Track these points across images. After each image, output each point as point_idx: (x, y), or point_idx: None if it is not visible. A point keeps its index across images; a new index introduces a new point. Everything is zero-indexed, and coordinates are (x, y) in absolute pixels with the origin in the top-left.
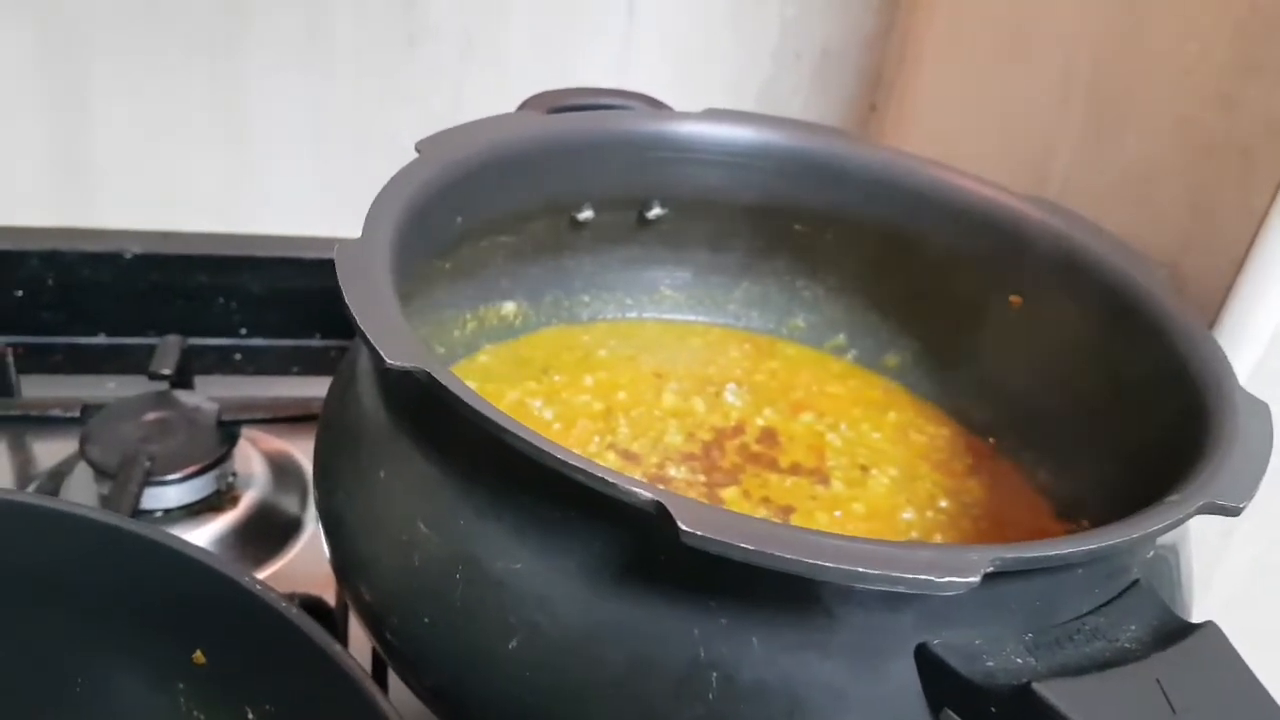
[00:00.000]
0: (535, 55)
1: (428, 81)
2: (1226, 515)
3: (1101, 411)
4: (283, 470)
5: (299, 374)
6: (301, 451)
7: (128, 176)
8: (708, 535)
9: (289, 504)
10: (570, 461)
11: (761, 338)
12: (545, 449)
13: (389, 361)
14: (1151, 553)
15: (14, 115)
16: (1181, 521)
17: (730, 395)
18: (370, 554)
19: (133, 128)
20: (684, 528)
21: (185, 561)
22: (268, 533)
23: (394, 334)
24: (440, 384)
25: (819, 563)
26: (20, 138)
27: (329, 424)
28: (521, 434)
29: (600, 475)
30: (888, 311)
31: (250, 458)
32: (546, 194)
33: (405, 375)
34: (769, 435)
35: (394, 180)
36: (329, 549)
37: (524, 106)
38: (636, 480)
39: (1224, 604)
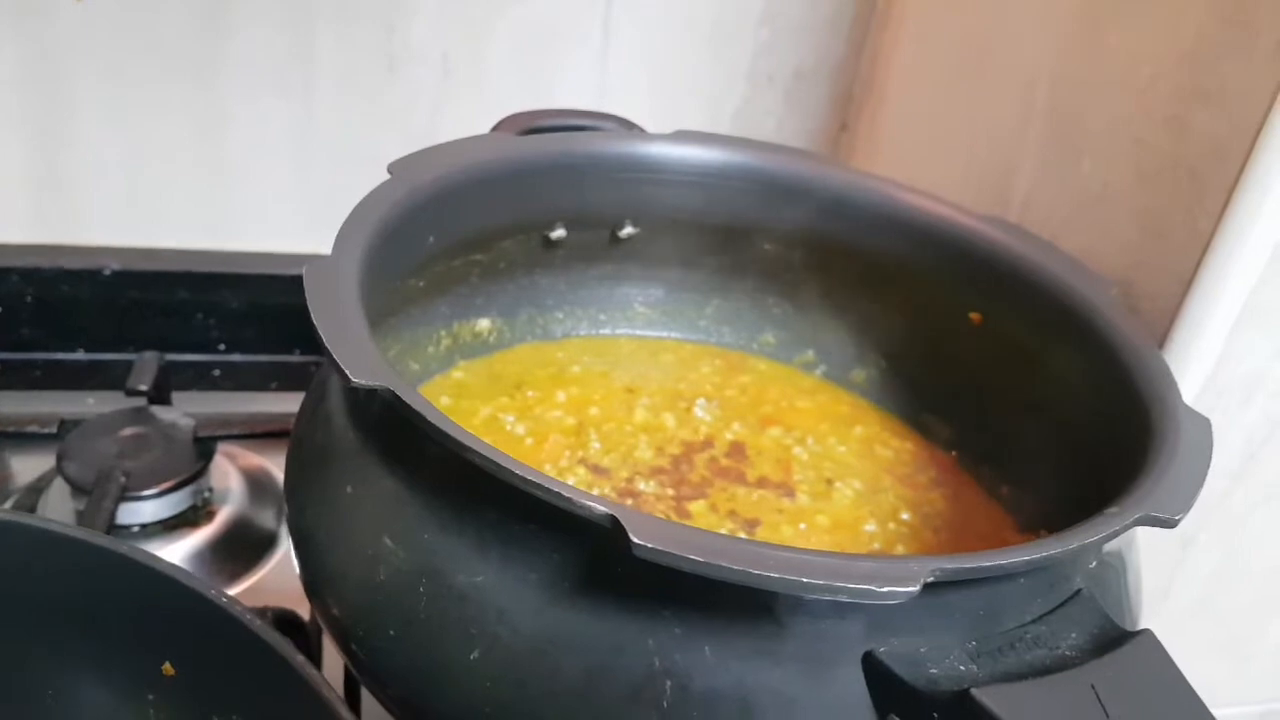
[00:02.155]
0: (513, 78)
1: (407, 103)
2: (1163, 527)
3: (1057, 427)
4: (259, 486)
5: (277, 389)
6: (278, 467)
7: (108, 195)
8: (658, 548)
9: (265, 519)
10: (528, 477)
11: (733, 353)
12: (504, 465)
13: (354, 380)
14: (1095, 563)
15: None
16: (1118, 533)
17: (700, 410)
18: (337, 568)
19: (113, 146)
20: (636, 540)
21: (153, 575)
22: (244, 548)
23: (359, 353)
24: (404, 401)
25: (765, 574)
26: (1, 156)
27: (300, 441)
28: (481, 450)
29: (556, 490)
30: (855, 328)
31: (227, 473)
32: (519, 214)
33: (370, 393)
34: (737, 449)
35: (365, 201)
36: (299, 564)
37: (498, 127)
38: (591, 495)
39: (1183, 613)
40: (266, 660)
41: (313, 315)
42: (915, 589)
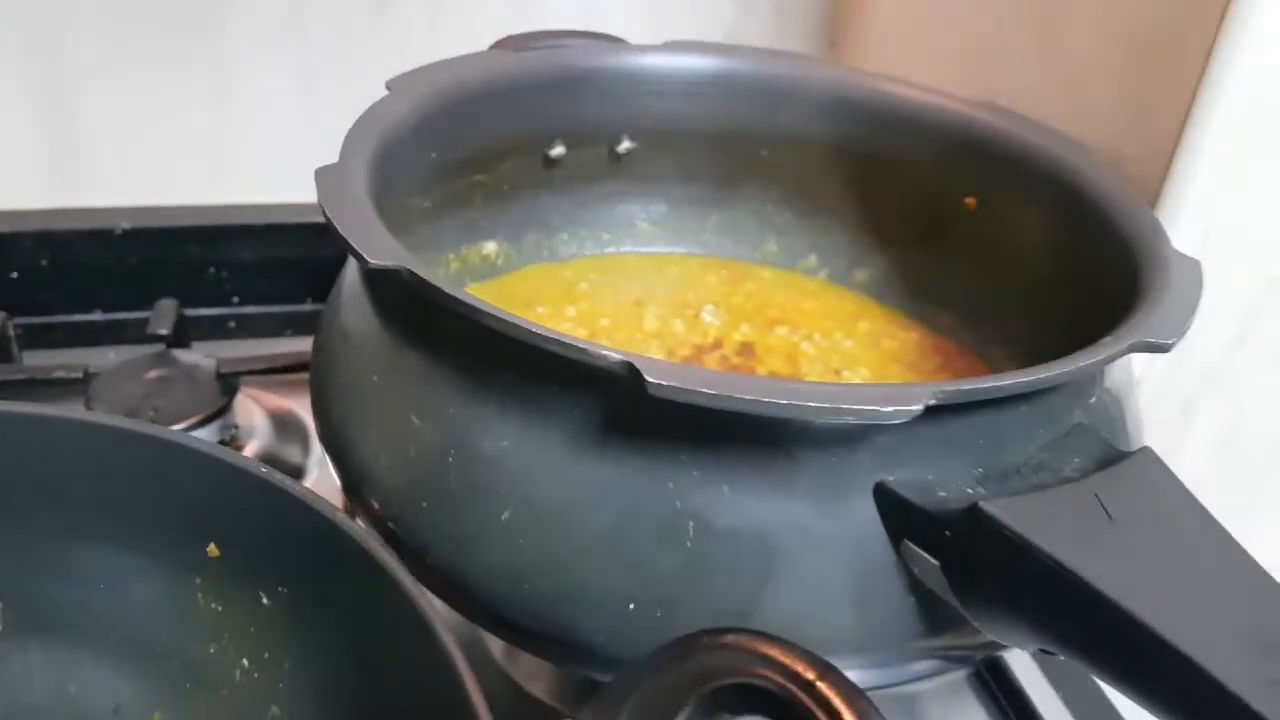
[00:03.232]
0: (503, 10)
1: (398, 43)
2: (1158, 351)
3: (1058, 299)
4: (284, 424)
5: (292, 335)
6: (301, 406)
7: (115, 155)
8: (673, 385)
9: (292, 454)
10: (545, 334)
11: (736, 264)
12: (520, 324)
13: (371, 262)
14: (1094, 399)
15: (1, 97)
16: (1114, 358)
17: (708, 315)
18: (370, 455)
19: (117, 106)
20: (650, 380)
21: (191, 455)
22: None
23: (376, 238)
24: (420, 278)
25: (774, 400)
26: (7, 122)
27: (321, 348)
28: (497, 314)
29: (572, 343)
30: (855, 229)
31: (252, 412)
32: (518, 130)
33: (387, 275)
34: (746, 348)
35: (366, 114)
36: (333, 466)
37: (492, 48)
38: (606, 346)
39: (1189, 483)
40: (309, 525)
41: (326, 208)
42: (918, 409)
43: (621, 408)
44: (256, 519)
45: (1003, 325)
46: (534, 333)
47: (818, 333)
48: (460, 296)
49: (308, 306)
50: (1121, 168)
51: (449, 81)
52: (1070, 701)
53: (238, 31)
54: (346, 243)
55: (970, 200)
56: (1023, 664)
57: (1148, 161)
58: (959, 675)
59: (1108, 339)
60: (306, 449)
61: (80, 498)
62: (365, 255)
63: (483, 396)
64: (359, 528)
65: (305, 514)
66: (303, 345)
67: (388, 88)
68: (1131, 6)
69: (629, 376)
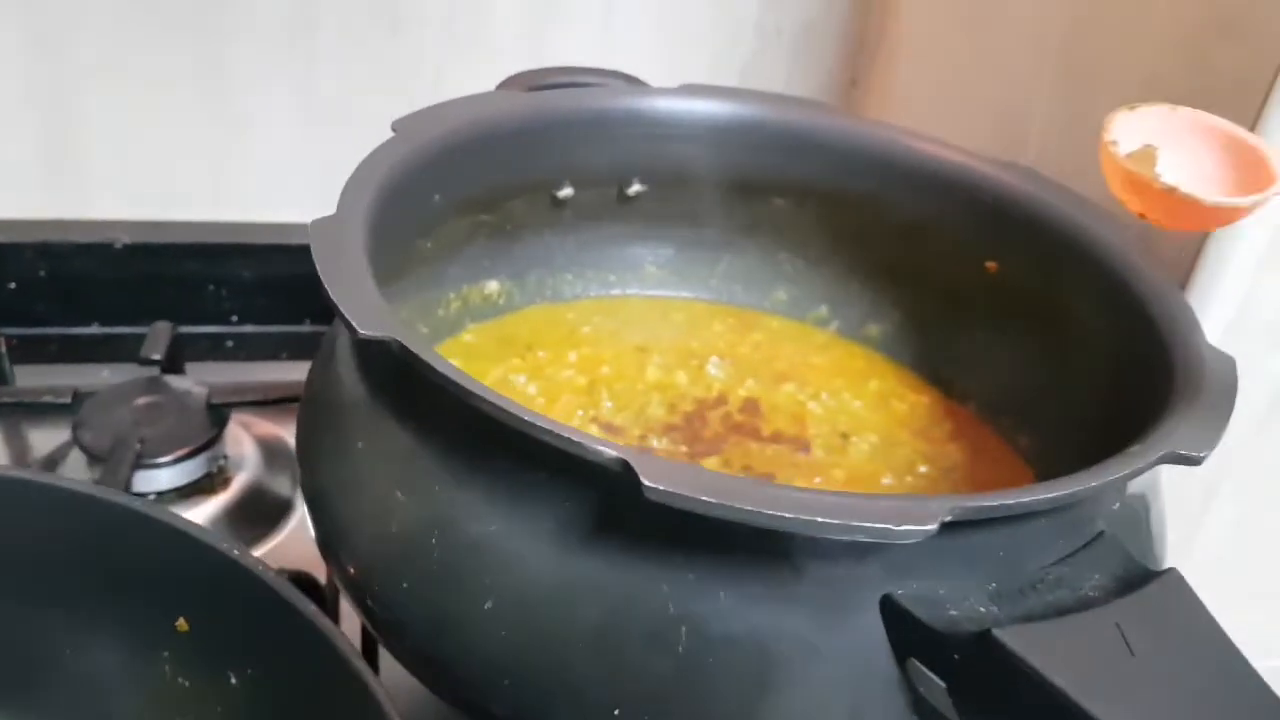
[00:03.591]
0: (516, 39)
1: (411, 66)
2: (1188, 464)
3: (1078, 375)
4: (273, 453)
5: (288, 359)
6: (291, 435)
7: (117, 167)
8: (670, 490)
9: (280, 485)
10: (537, 423)
11: (745, 311)
12: (513, 411)
13: (360, 331)
14: (1118, 505)
15: (3, 110)
16: (1141, 471)
17: (713, 368)
18: (350, 523)
19: (120, 119)
20: (647, 483)
21: (166, 531)
22: (259, 514)
23: (366, 305)
24: (411, 351)
25: (779, 514)
26: (8, 130)
27: (310, 400)
28: (490, 398)
29: (566, 435)
30: (869, 282)
31: (241, 441)
32: (525, 172)
33: (378, 346)
34: (751, 405)
35: (369, 159)
36: (313, 523)
37: (502, 86)
38: (602, 440)
39: (1208, 564)
40: (280, 614)
41: (319, 268)
42: (933, 528)
43: (616, 503)
44: (225, 597)
45: (1018, 395)
46: (527, 421)
47: (825, 391)
48: (451, 375)
49: (305, 328)
50: (1151, 242)
51: (455, 124)
52: None
53: (242, 43)
54: (336, 308)
55: (991, 265)
56: None
57: (1180, 236)
58: None
59: (1136, 448)
60: (295, 481)
61: (46, 562)
62: (355, 325)
63: (471, 478)
64: (332, 626)
65: (276, 603)
66: (297, 371)
67: (392, 129)
68: (1173, 68)
69: (624, 475)
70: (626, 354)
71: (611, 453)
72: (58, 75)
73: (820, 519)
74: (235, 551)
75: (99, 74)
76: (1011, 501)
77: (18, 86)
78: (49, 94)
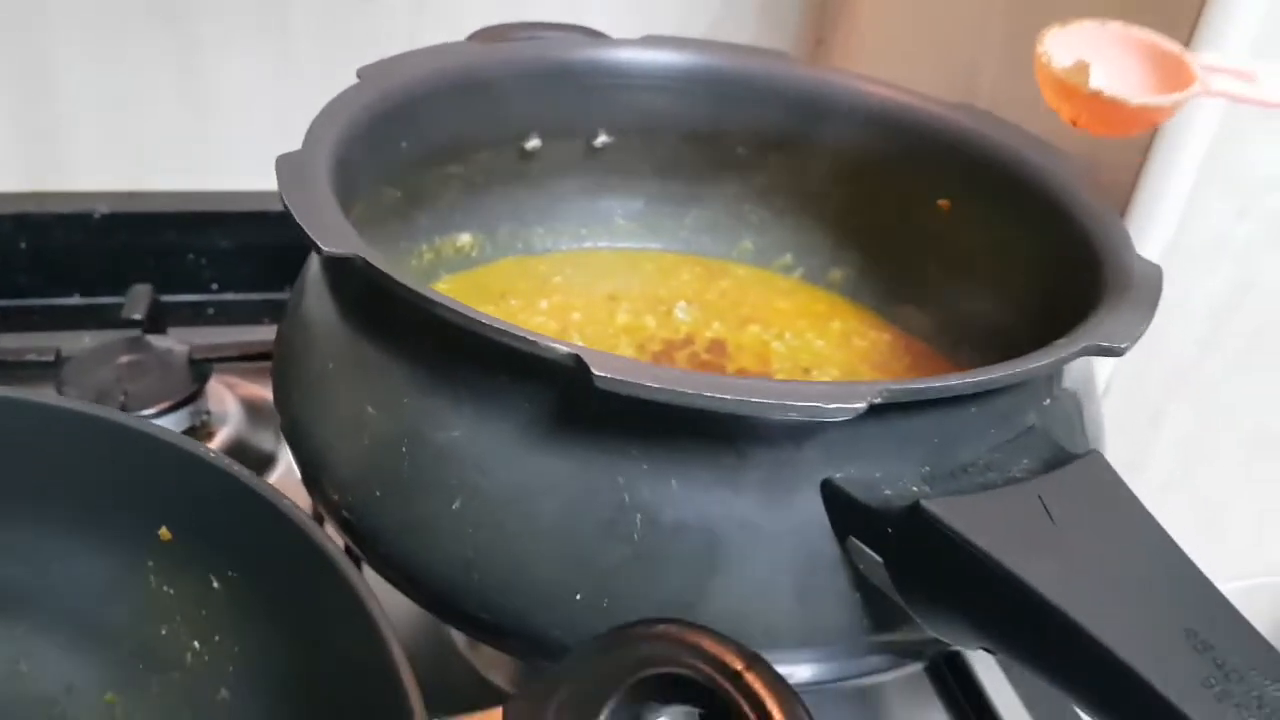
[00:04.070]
0: (488, 4)
1: (382, 33)
2: (1110, 355)
3: (1026, 304)
4: (256, 410)
5: (269, 323)
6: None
7: (93, 139)
8: (619, 378)
9: (263, 440)
10: (494, 325)
11: (713, 261)
12: (471, 315)
13: (325, 249)
14: (1049, 400)
15: None
16: (1065, 360)
17: (681, 312)
18: (326, 443)
19: (96, 91)
20: (597, 373)
21: (144, 439)
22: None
23: (332, 226)
24: (374, 267)
25: (719, 395)
26: None
27: (284, 335)
28: (450, 305)
29: (521, 334)
30: (831, 229)
31: (225, 399)
32: (491, 122)
33: (343, 263)
34: (717, 345)
35: (333, 102)
36: (293, 452)
37: (470, 39)
38: (552, 339)
39: (1157, 488)
40: (255, 508)
41: (284, 195)
42: (862, 406)
43: (571, 400)
44: (207, 504)
45: (973, 328)
46: (483, 324)
47: (789, 331)
48: (413, 286)
49: (285, 294)
50: (1094, 172)
51: (421, 71)
52: (1028, 700)
53: (217, 14)
54: (301, 229)
55: (944, 202)
56: (983, 661)
57: (1121, 167)
58: (917, 670)
59: (1062, 340)
60: (278, 437)
61: (30, 478)
62: (320, 242)
63: (436, 387)
64: (304, 514)
65: (253, 500)
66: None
67: (358, 76)
68: (1109, 8)
69: (576, 369)
70: (597, 302)
71: (564, 348)
72: (32, 48)
73: (756, 399)
74: (210, 455)
75: (74, 46)
76: (938, 384)
77: None
78: (24, 67)
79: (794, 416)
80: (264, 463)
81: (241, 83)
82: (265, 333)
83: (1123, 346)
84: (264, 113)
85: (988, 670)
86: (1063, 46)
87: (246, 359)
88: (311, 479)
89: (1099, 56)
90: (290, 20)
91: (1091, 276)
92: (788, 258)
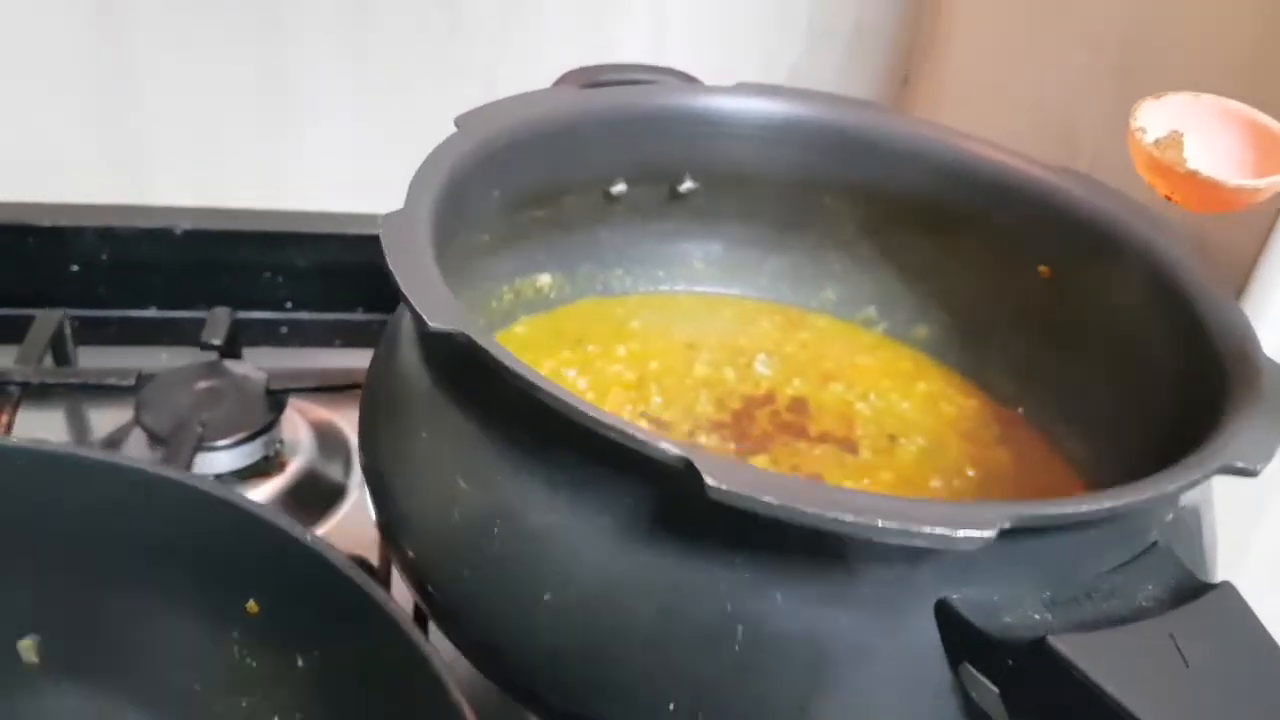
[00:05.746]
0: (569, 38)
1: (466, 63)
2: (1244, 476)
3: (1129, 382)
4: (327, 438)
5: (341, 346)
6: (345, 420)
7: (178, 155)
8: (733, 490)
9: (334, 470)
10: (602, 419)
11: (793, 310)
12: (578, 407)
13: (431, 325)
14: (1171, 515)
15: (69, 97)
16: (1196, 483)
17: (761, 365)
18: (413, 510)
19: (182, 108)
20: (710, 483)
21: (237, 513)
22: (314, 497)
23: (436, 299)
24: (479, 346)
25: (839, 517)
26: (75, 118)
27: (372, 389)
28: (556, 393)
29: (631, 433)
30: (918, 283)
31: (297, 426)
32: (580, 168)
33: (446, 338)
34: (799, 404)
35: (434, 154)
36: (374, 508)
37: (559, 82)
38: (665, 438)
39: (1262, 572)
40: (348, 595)
41: (390, 263)
42: (991, 534)
43: (677, 502)
44: (296, 580)
45: (1068, 401)
46: (592, 417)
47: (873, 392)
48: (520, 370)
49: (359, 315)
50: (1205, 248)
51: (515, 120)
52: None
53: (299, 39)
54: (408, 302)
55: (1044, 269)
56: None
57: (1237, 244)
58: None
59: (1192, 459)
60: (348, 467)
61: (121, 542)
62: (425, 317)
63: (532, 469)
64: (398, 607)
65: (347, 586)
66: (351, 359)
67: (456, 125)
68: (1225, 82)
69: (686, 473)
70: (675, 350)
71: (675, 450)
72: (123, 64)
73: (880, 523)
74: (307, 536)
75: (163, 64)
76: (1070, 510)
77: (84, 75)
78: (114, 83)
79: (920, 544)
80: (335, 493)
81: (322, 106)
82: (339, 357)
83: (1257, 468)
84: (344, 136)
85: None
86: (1157, 119)
87: (324, 390)
88: (391, 535)
89: (1195, 127)
90: (370, 48)
91: (1211, 369)
92: (871, 310)
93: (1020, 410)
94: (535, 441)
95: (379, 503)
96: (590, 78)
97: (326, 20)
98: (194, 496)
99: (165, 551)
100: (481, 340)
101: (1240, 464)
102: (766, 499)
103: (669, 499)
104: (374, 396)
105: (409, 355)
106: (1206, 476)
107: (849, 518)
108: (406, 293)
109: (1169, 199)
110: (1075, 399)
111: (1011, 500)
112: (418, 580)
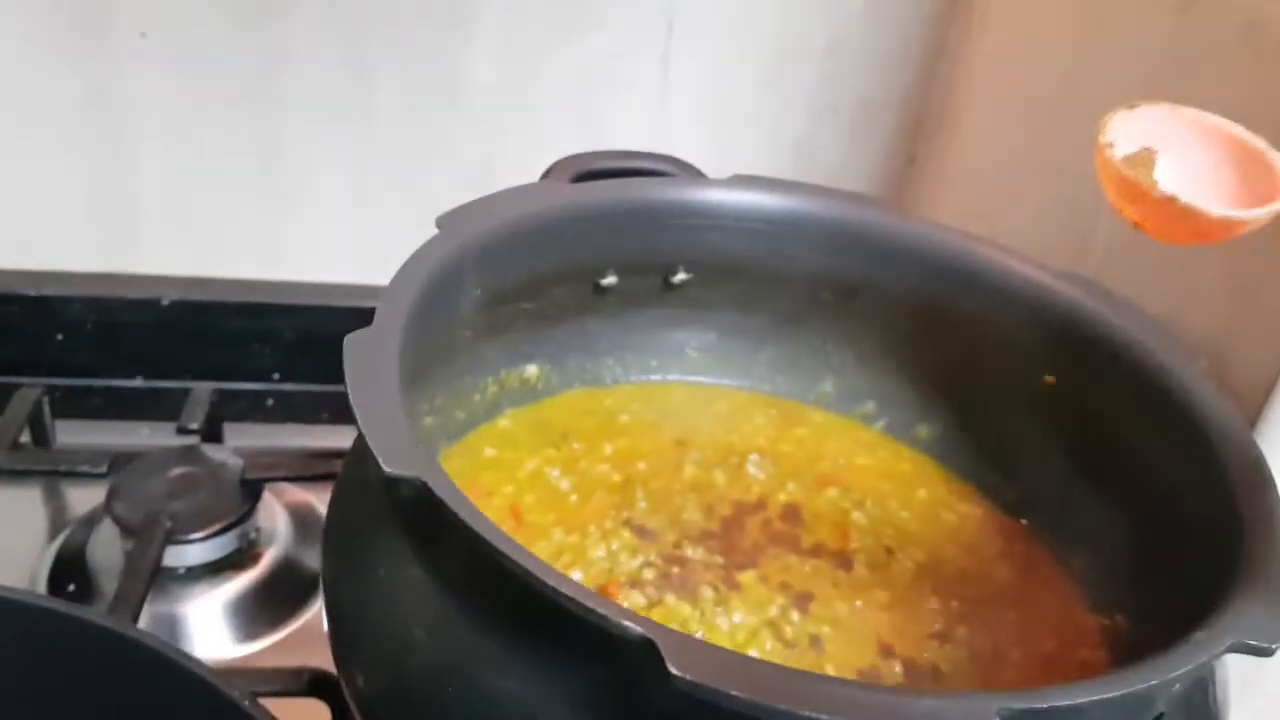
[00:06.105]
0: (570, 114)
1: (464, 137)
2: (1259, 655)
3: (1135, 501)
4: (304, 524)
5: (329, 421)
6: (324, 503)
7: (169, 223)
8: (698, 681)
9: (310, 559)
10: (561, 589)
11: (788, 403)
12: (537, 573)
13: (386, 469)
14: (1178, 686)
15: (59, 162)
16: (1206, 664)
17: (753, 467)
18: (368, 649)
19: (174, 175)
20: (674, 671)
21: (154, 657)
22: (289, 590)
23: (395, 438)
24: (436, 496)
25: (817, 716)
26: (65, 184)
27: (339, 505)
28: (516, 556)
29: (590, 605)
30: (919, 382)
31: (274, 513)
32: (568, 263)
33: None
34: (792, 512)
35: (411, 260)
36: (329, 628)
37: (551, 170)
38: (627, 611)
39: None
40: None
41: (350, 393)
42: None
43: (639, 677)
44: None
45: (1071, 515)
46: (550, 585)
47: (870, 499)
48: (477, 526)
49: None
50: (1214, 369)
51: (499, 219)
52: None
53: (298, 106)
54: (365, 443)
55: (1050, 379)
56: None
57: (1252, 363)
58: None
59: (1200, 635)
60: None
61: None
62: (382, 461)
63: (491, 626)
64: None
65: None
66: (335, 436)
67: (437, 225)
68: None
69: (650, 656)
70: (664, 449)
71: (637, 629)
72: (115, 133)
73: None
74: (219, 681)
75: (156, 136)
76: (1065, 703)
77: (76, 141)
78: (106, 152)
79: None
80: (310, 584)
81: (317, 173)
82: (324, 434)
83: (1272, 647)
84: (338, 204)
85: None
86: (1129, 135)
87: (301, 480)
88: (346, 670)
89: (1171, 145)
90: (373, 116)
91: (1223, 511)
92: (870, 406)
93: (1024, 521)
94: (494, 597)
95: (336, 633)
96: (582, 166)
97: (322, 89)
98: (132, 649)
99: (104, 704)
100: (439, 489)
101: (1254, 642)
102: (734, 692)
103: (631, 674)
104: (340, 511)
105: (374, 481)
106: (1215, 656)
107: (826, 716)
108: (365, 430)
109: (1137, 227)
110: (1080, 513)
111: (1006, 691)
112: (369, 717)
